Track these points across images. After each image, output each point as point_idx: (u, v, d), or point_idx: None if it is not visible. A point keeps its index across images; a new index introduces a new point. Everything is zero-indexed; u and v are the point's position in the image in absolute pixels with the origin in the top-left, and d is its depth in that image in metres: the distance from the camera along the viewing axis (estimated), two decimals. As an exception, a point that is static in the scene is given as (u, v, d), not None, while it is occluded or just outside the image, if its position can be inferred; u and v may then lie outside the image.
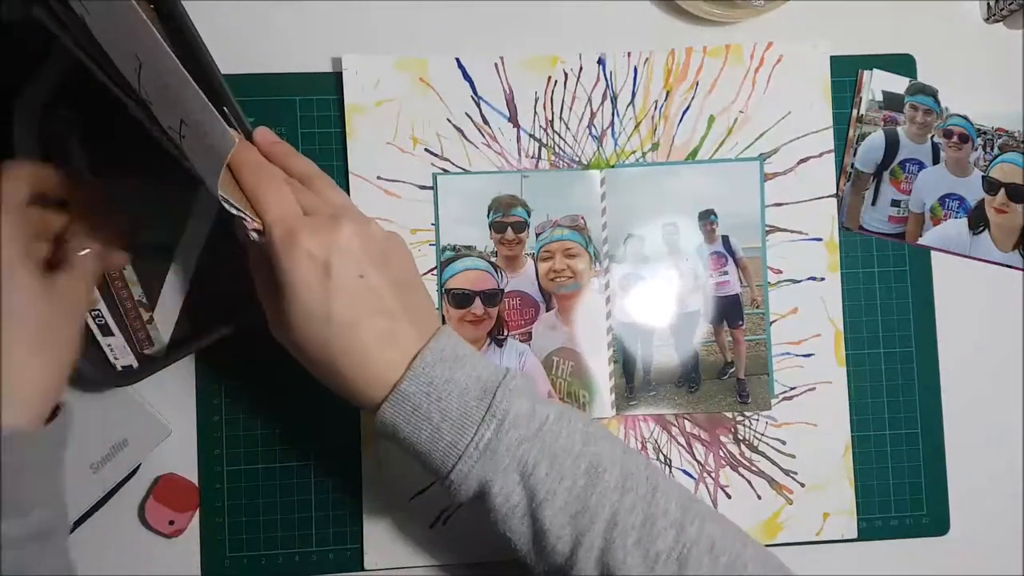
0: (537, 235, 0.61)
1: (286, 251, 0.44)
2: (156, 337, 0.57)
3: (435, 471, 0.46)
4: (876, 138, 0.63)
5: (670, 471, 0.61)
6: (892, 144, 0.63)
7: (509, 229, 0.61)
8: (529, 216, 0.61)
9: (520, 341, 0.60)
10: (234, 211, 0.44)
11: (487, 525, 0.47)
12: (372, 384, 0.46)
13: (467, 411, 0.45)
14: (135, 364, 0.57)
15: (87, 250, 0.50)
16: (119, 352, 0.56)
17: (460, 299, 0.60)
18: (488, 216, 0.61)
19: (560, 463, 0.45)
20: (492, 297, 0.60)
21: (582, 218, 0.61)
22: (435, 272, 0.60)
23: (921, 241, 0.63)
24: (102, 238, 0.51)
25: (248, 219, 0.45)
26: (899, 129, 0.63)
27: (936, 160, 0.64)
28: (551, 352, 0.60)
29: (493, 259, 0.61)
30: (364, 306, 0.45)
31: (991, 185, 0.64)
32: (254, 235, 0.45)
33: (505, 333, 0.60)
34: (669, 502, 0.45)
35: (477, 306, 0.60)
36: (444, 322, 0.60)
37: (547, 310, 0.61)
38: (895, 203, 0.63)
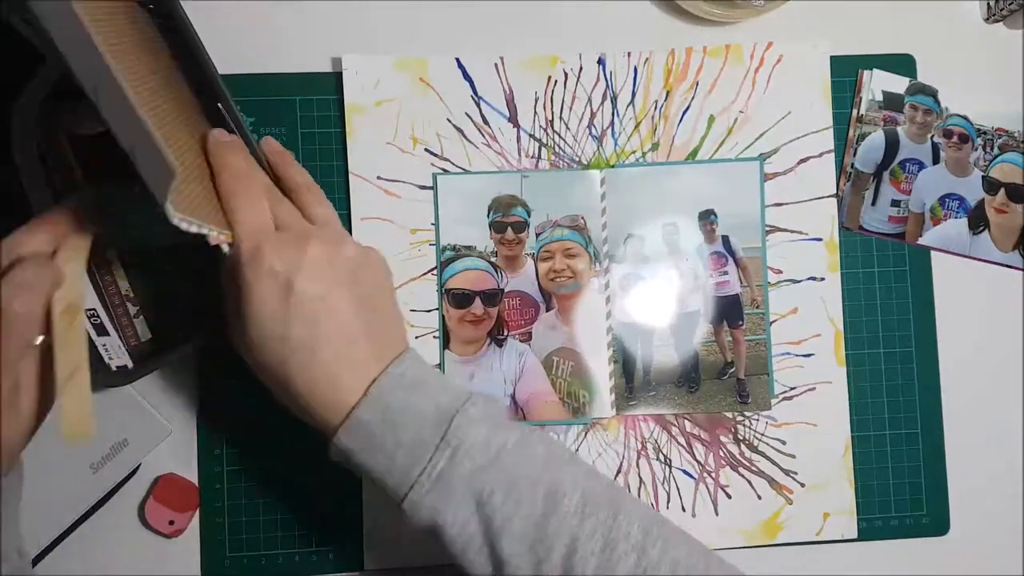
0: (537, 235, 0.61)
1: (250, 266, 0.43)
2: (143, 332, 0.57)
3: (391, 497, 0.45)
4: (876, 138, 0.63)
5: (670, 471, 0.61)
6: (892, 144, 0.63)
7: (509, 229, 0.61)
8: (529, 216, 0.61)
9: (520, 341, 0.60)
10: (194, 229, 0.42)
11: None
12: (328, 407, 0.44)
13: (421, 439, 0.44)
14: (130, 364, 0.56)
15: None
16: (114, 352, 0.56)
17: (460, 299, 0.60)
18: (488, 216, 0.61)
19: (518, 490, 0.44)
20: (492, 297, 0.60)
21: (582, 218, 0.61)
22: (435, 272, 0.60)
23: (921, 241, 0.63)
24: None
25: (213, 235, 0.43)
26: (899, 129, 0.64)
27: (936, 160, 0.64)
28: (551, 352, 0.60)
29: (493, 259, 0.61)
30: (323, 328, 0.44)
31: (991, 185, 0.64)
32: (225, 247, 0.44)
33: (505, 333, 0.60)
34: (631, 524, 0.44)
35: (477, 306, 0.60)
36: (444, 323, 0.60)
37: (547, 310, 0.61)
38: (895, 203, 0.63)
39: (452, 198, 0.61)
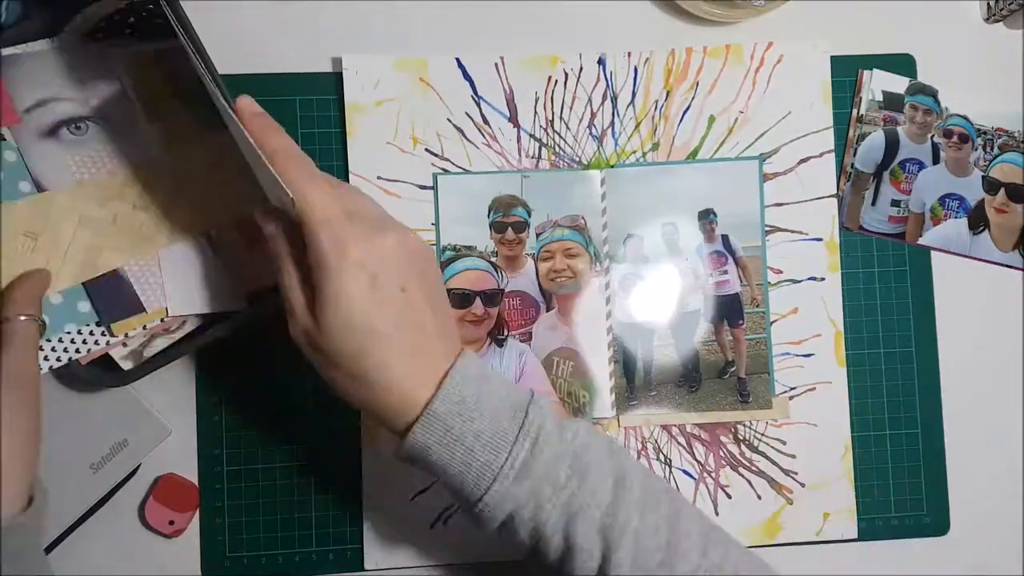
0: (537, 235, 0.61)
1: (334, 256, 0.42)
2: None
3: (466, 494, 0.45)
4: (876, 138, 0.63)
5: (670, 471, 0.61)
6: (892, 144, 0.63)
7: (509, 229, 0.61)
8: (529, 216, 0.61)
9: (520, 341, 0.60)
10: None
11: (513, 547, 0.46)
12: (402, 400, 0.44)
13: (500, 431, 0.44)
14: (132, 364, 0.56)
15: (25, 316, 0.48)
16: (117, 351, 0.56)
17: (460, 299, 0.60)
18: (488, 216, 0.61)
19: (592, 477, 0.44)
20: (492, 297, 0.60)
21: (582, 218, 0.61)
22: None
23: (921, 241, 0.63)
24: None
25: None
26: (899, 129, 0.64)
27: (936, 160, 0.64)
28: (551, 352, 0.60)
29: (493, 259, 0.61)
30: (403, 320, 0.44)
31: (991, 185, 0.64)
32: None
33: (505, 333, 0.60)
34: (691, 524, 0.45)
35: (477, 306, 0.60)
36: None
37: (547, 310, 0.61)
38: (895, 203, 0.63)
39: (452, 198, 0.61)
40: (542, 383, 0.60)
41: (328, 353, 0.44)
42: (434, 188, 0.60)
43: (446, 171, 0.61)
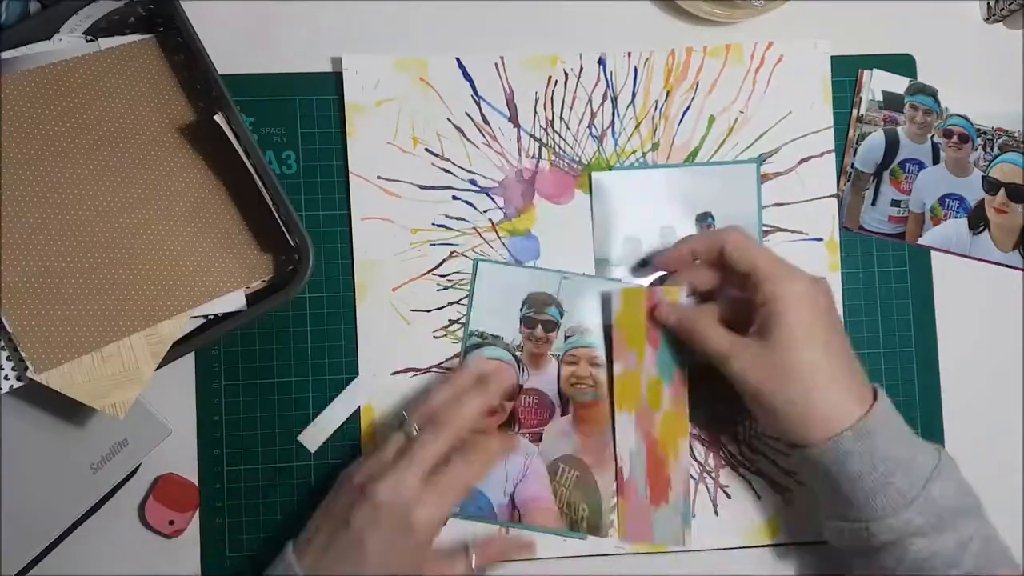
0: (566, 338, 0.60)
1: (791, 288, 0.51)
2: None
3: (863, 509, 0.49)
4: (876, 138, 0.63)
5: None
6: (892, 144, 0.63)
7: (539, 327, 0.60)
8: (561, 317, 0.60)
9: (530, 441, 0.59)
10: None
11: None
12: (837, 409, 0.50)
13: (917, 461, 0.49)
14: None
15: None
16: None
17: (479, 387, 0.59)
18: (521, 310, 0.60)
19: (972, 512, 0.50)
20: (511, 391, 0.60)
21: None
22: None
23: (921, 241, 0.63)
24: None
25: None
26: (899, 129, 0.64)
27: (936, 160, 0.64)
28: (558, 458, 0.59)
29: (518, 353, 0.60)
30: (845, 340, 0.52)
31: (991, 185, 0.64)
32: None
33: (516, 430, 0.60)
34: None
35: None
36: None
37: (562, 415, 0.60)
38: (895, 203, 0.63)
39: (489, 285, 0.60)
40: (543, 489, 0.59)
41: (780, 366, 0.50)
42: (473, 273, 0.60)
43: (493, 260, 0.60)
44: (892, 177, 0.63)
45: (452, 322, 0.60)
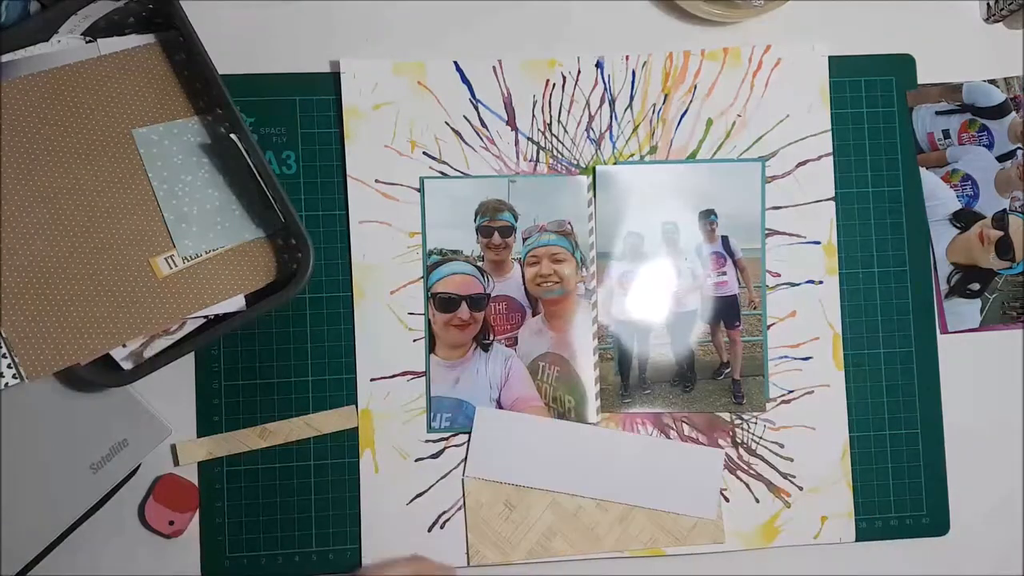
0: (524, 240, 0.61)
1: None
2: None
3: None
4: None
5: (668, 473, 0.61)
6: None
7: (496, 233, 0.61)
8: (516, 221, 0.61)
9: (506, 346, 0.60)
10: None
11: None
12: None
13: None
14: (132, 364, 0.57)
15: None
16: (117, 351, 0.57)
17: (446, 303, 0.60)
18: (475, 220, 0.61)
19: None
20: (478, 301, 0.60)
21: (569, 223, 0.61)
22: (421, 279, 0.60)
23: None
24: None
25: None
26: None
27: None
28: (537, 357, 0.60)
29: (479, 263, 0.61)
30: None
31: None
32: None
33: (491, 338, 0.60)
34: None
35: (463, 310, 0.60)
36: (430, 328, 0.60)
37: (533, 315, 0.61)
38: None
39: (439, 202, 0.60)
40: (528, 388, 0.60)
41: None
42: (420, 191, 0.60)
43: (444, 174, 0.61)
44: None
45: (450, 324, 0.61)
